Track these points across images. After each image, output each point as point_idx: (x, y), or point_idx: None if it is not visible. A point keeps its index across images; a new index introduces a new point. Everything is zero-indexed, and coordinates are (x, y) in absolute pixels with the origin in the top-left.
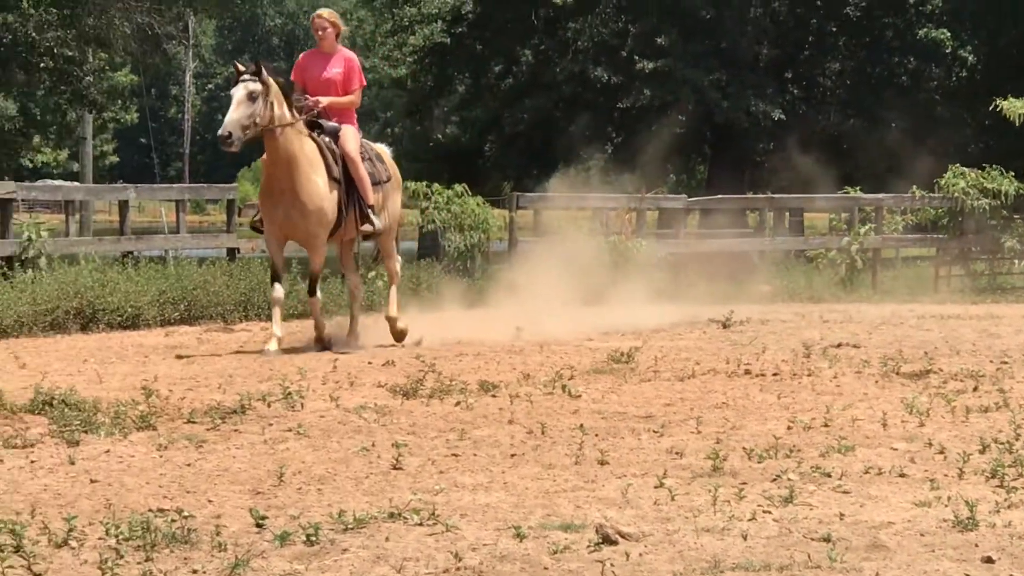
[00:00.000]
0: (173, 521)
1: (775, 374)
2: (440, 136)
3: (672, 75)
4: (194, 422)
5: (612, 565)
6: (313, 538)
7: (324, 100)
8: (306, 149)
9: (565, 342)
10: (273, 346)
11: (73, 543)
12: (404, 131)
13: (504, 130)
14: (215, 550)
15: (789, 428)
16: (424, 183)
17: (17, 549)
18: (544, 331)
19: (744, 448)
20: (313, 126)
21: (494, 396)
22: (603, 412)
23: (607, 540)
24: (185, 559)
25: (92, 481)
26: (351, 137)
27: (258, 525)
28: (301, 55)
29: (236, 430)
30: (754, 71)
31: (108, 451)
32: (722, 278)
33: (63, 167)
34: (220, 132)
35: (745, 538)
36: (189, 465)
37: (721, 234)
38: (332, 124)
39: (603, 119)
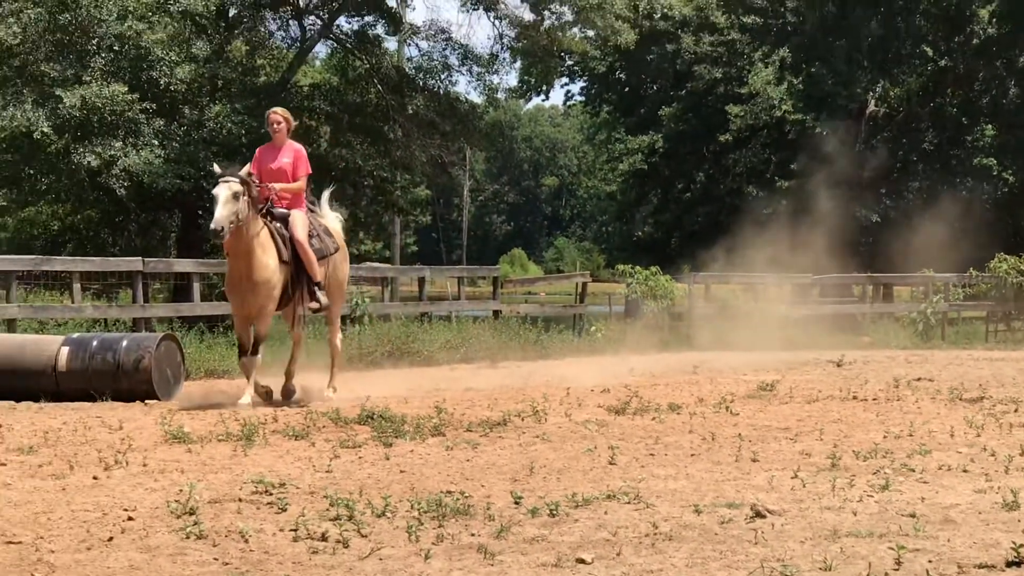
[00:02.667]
0: (457, 499)
1: (874, 399)
2: (640, 233)
3: (803, 190)
4: (471, 431)
5: (762, 532)
6: (554, 512)
7: (277, 186)
8: (261, 237)
9: (727, 376)
10: (246, 399)
11: (388, 514)
12: (614, 230)
13: (684, 229)
14: (486, 520)
15: (884, 437)
16: (629, 265)
17: (350, 518)
18: (712, 368)
19: (853, 451)
20: (266, 213)
21: (678, 414)
22: (755, 425)
23: (758, 515)
24: (466, 525)
25: (401, 471)
26: (299, 223)
27: (516, 502)
28: (257, 149)
29: (500, 436)
30: (860, 186)
31: (412, 450)
32: (836, 332)
33: (379, 253)
34: (212, 227)
35: (855, 514)
36: (468, 460)
37: (835, 301)
38: (282, 211)
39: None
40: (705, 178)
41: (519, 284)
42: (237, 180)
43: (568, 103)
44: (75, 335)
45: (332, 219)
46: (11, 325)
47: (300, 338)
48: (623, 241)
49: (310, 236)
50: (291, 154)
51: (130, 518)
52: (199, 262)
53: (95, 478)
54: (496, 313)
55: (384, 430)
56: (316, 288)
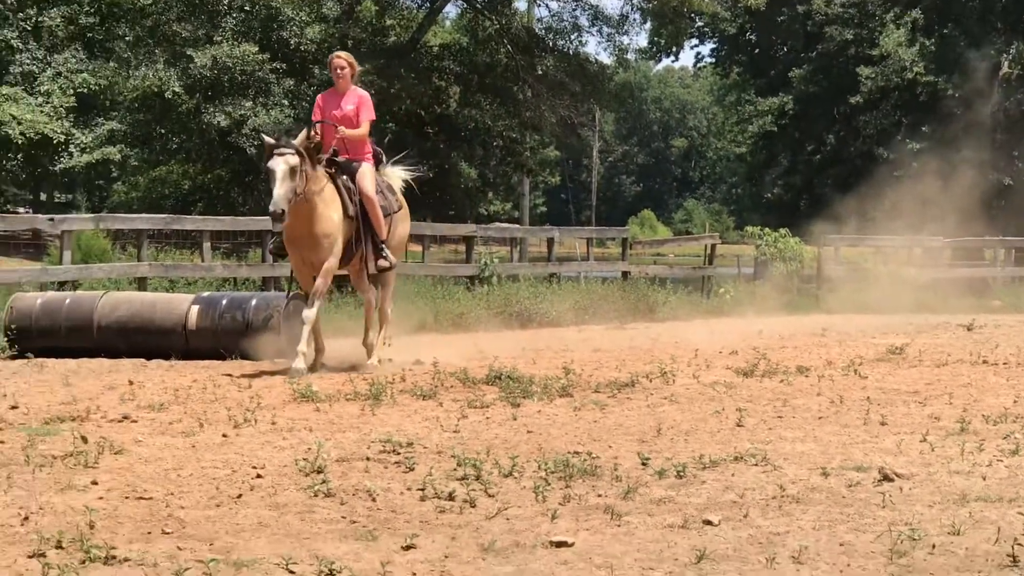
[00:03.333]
0: (584, 460)
1: (1005, 364)
2: (769, 195)
3: (934, 153)
4: (599, 392)
5: (890, 496)
6: (681, 473)
7: (346, 132)
8: (324, 192)
9: (856, 339)
10: (300, 364)
11: (516, 474)
12: (744, 192)
13: (814, 191)
14: (613, 480)
15: (1015, 401)
16: (758, 227)
17: (477, 477)
18: (841, 331)
19: (983, 415)
20: (331, 164)
21: (806, 376)
22: (883, 388)
23: (886, 478)
24: (592, 486)
25: (528, 432)
26: (368, 176)
27: (643, 464)
28: (319, 96)
29: (628, 397)
30: (992, 149)
31: (539, 411)
32: (966, 296)
33: (508, 214)
34: (272, 209)
35: (984, 478)
36: (595, 421)
37: (967, 265)
38: (349, 162)
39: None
40: (835, 140)
41: (648, 246)
42: (293, 152)
43: (698, 65)
44: (205, 294)
45: (395, 176)
46: (142, 283)
47: (372, 301)
48: (752, 203)
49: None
50: (355, 100)
51: (259, 476)
52: None
53: (224, 436)
54: (625, 274)
55: (512, 391)
56: (383, 246)
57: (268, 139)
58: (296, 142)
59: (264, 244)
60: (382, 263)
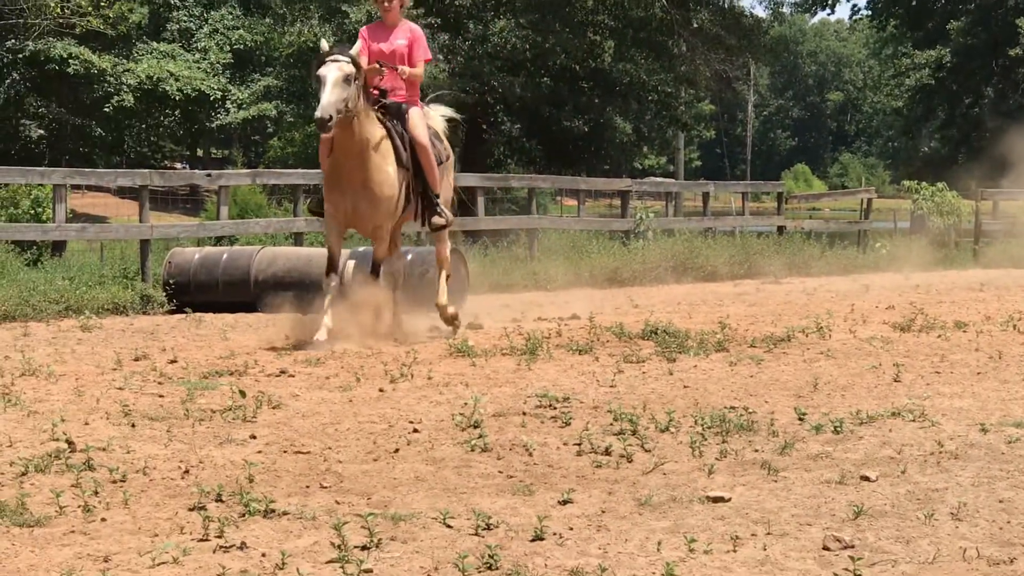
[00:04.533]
0: (741, 415)
1: None
2: (926, 149)
3: None
4: (754, 347)
5: None
6: (839, 429)
7: (407, 70)
8: (377, 136)
9: (1015, 293)
10: (323, 335)
11: (672, 429)
12: (900, 146)
13: (972, 145)
14: (770, 436)
15: None
16: (915, 182)
17: (634, 432)
18: (1000, 286)
19: None
20: (380, 105)
21: (964, 331)
22: None
23: None
24: (749, 441)
25: (684, 387)
26: (419, 122)
27: (800, 419)
28: (363, 28)
29: (784, 352)
30: None
31: (695, 366)
32: None
33: (663, 168)
34: (319, 115)
35: None
36: (751, 376)
37: None
38: (397, 104)
39: None
40: (994, 94)
41: (803, 200)
42: (349, 60)
43: (854, 17)
44: (361, 248)
45: (438, 118)
46: (299, 238)
47: (445, 258)
48: (909, 157)
49: None
50: (407, 35)
51: (415, 430)
52: (484, 176)
53: (381, 390)
54: (780, 229)
55: (668, 345)
56: (439, 203)
57: (324, 44)
58: (353, 52)
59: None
60: (437, 220)
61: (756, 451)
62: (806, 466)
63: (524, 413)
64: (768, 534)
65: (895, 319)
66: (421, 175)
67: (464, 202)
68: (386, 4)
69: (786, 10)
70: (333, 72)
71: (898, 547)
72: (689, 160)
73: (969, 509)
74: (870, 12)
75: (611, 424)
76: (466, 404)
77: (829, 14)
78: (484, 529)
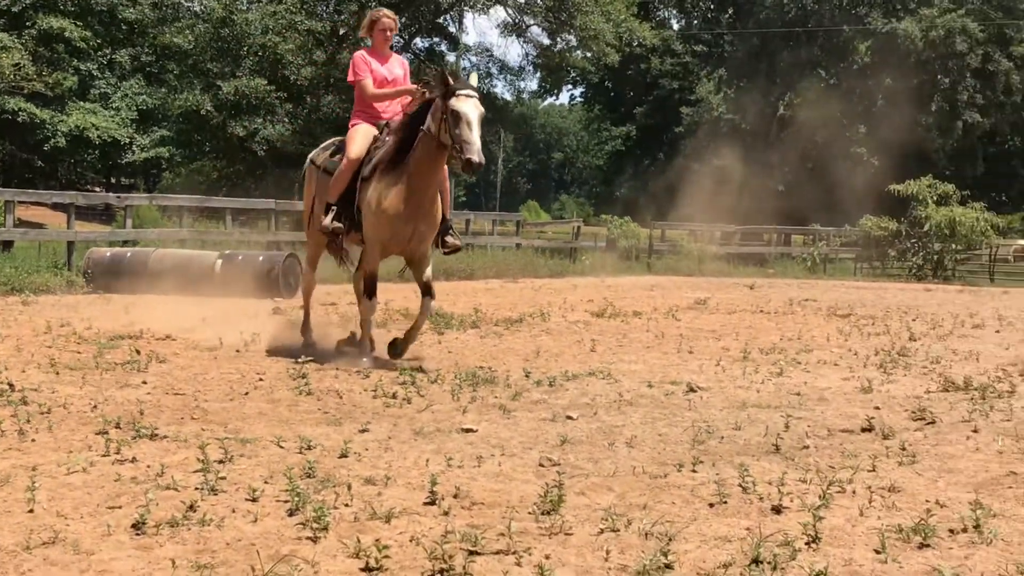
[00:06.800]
0: (486, 372)
1: (774, 312)
2: (618, 193)
3: (716, 168)
4: (497, 325)
5: (694, 402)
6: (552, 383)
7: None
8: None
9: (674, 293)
10: (369, 359)
11: (439, 382)
12: (601, 191)
13: (649, 191)
14: (505, 387)
15: (780, 339)
16: (610, 216)
17: (413, 383)
18: (664, 288)
19: (759, 348)
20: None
21: (639, 318)
22: (692, 328)
23: (691, 390)
24: (491, 391)
25: (449, 352)
26: None
27: (526, 376)
28: (361, 54)
29: (517, 330)
30: (770, 165)
31: (457, 337)
32: (750, 264)
33: None
34: (479, 161)
35: (758, 392)
36: (495, 345)
37: (750, 243)
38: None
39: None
40: (664, 157)
41: (534, 226)
42: (478, 98)
43: (572, 102)
44: (227, 252)
45: None
46: (183, 244)
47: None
48: (607, 199)
49: None
50: (402, 65)
51: (261, 379)
52: None
53: (237, 351)
54: (518, 245)
55: (438, 323)
56: (451, 224)
57: (474, 79)
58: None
59: (270, 218)
60: (454, 242)
61: (496, 398)
62: (530, 408)
63: (337, 368)
64: (503, 455)
65: (593, 308)
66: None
67: (300, 220)
68: (387, 33)
69: (525, 96)
70: (478, 111)
71: (590, 465)
72: (457, 196)
73: (638, 440)
74: (583, 99)
75: (397, 376)
76: (297, 362)
77: (555, 100)
78: (306, 449)
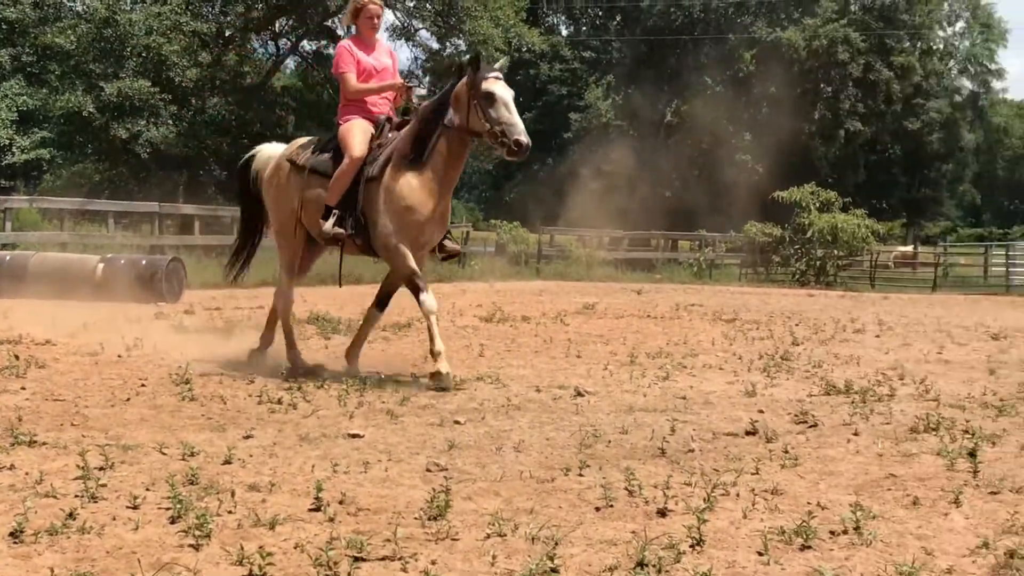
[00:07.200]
0: (375, 377)
1: (661, 317)
2: (508, 199)
3: (620, 174)
4: (386, 330)
5: (581, 406)
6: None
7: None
8: None
9: (562, 298)
10: (446, 367)
11: (325, 387)
12: (491, 196)
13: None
14: (394, 392)
15: (667, 343)
16: (499, 220)
17: (298, 388)
18: (552, 292)
19: (646, 352)
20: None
21: (528, 323)
22: (580, 332)
23: (579, 394)
24: (379, 395)
25: (336, 357)
26: None
27: (413, 380)
28: (347, 43)
29: (406, 334)
30: (664, 173)
31: (345, 343)
32: (636, 271)
33: None
34: (527, 141)
35: (645, 395)
36: (383, 350)
37: (637, 249)
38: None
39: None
40: (553, 162)
41: None
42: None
43: None
44: (109, 255)
45: None
46: (64, 247)
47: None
48: (496, 203)
49: None
50: (388, 54)
51: (143, 385)
52: (199, 207)
53: (119, 356)
54: None
55: (325, 328)
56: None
57: (490, 66)
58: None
59: (153, 222)
60: (452, 246)
61: (383, 402)
62: (417, 413)
63: (222, 374)
64: (390, 460)
65: (482, 313)
66: None
67: (184, 224)
68: (375, 21)
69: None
70: (511, 92)
71: (477, 470)
72: None
73: (526, 444)
74: None
75: (283, 382)
76: (180, 367)
77: None
78: (189, 455)
